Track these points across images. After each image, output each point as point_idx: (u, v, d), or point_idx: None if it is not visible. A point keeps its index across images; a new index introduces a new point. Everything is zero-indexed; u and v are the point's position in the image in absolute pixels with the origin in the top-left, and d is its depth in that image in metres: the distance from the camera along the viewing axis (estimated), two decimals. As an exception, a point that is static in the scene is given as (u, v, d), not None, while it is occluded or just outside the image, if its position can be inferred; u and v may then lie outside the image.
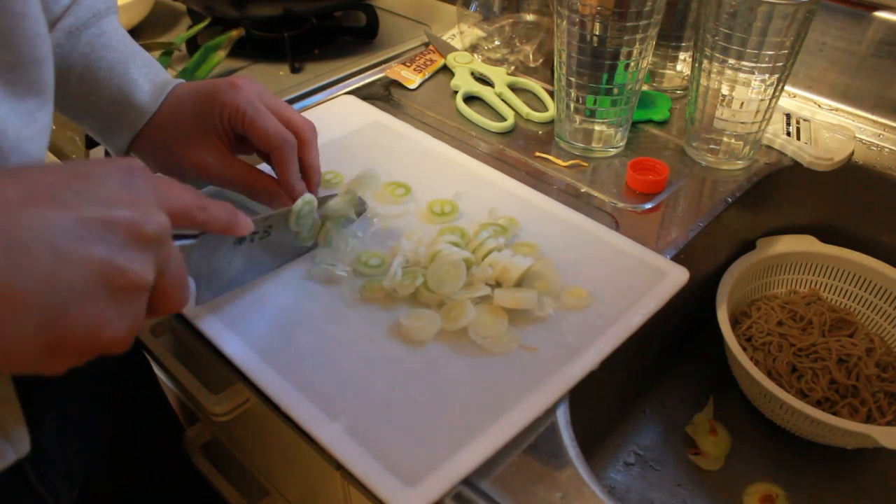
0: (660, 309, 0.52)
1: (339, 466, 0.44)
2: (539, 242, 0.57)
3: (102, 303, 0.29)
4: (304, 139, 0.54)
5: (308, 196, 0.52)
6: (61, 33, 0.52)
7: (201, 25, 0.86)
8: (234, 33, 0.83)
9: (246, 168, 0.54)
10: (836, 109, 0.78)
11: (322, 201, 0.55)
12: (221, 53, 0.82)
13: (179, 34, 0.94)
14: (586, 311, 0.51)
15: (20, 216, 0.28)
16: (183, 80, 0.56)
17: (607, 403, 0.66)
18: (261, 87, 0.54)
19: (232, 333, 0.49)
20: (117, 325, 0.30)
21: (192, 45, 0.86)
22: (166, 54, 0.83)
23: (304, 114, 0.74)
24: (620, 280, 0.54)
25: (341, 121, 0.73)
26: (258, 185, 0.54)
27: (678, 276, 0.54)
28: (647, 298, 0.52)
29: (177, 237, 0.41)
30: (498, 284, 0.53)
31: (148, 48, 0.81)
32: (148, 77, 0.54)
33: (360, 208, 0.58)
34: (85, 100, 0.54)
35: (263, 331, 0.50)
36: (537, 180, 0.66)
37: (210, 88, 0.53)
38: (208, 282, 0.48)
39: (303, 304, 0.52)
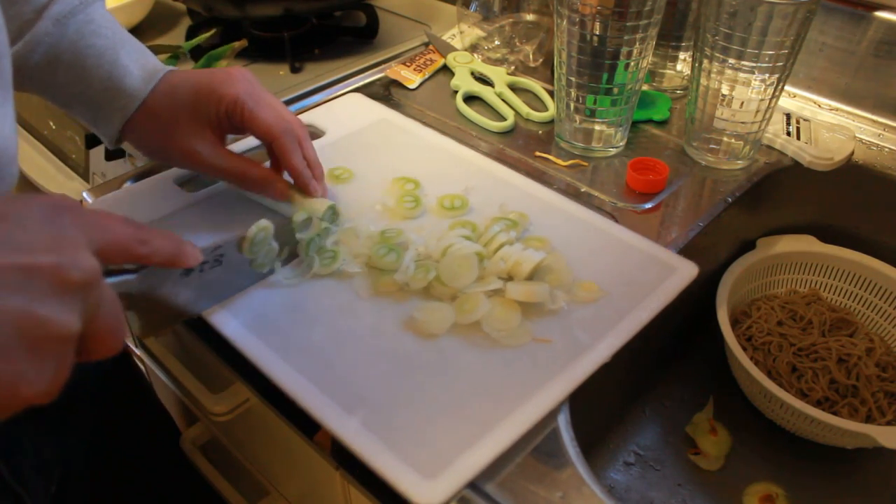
0: (668, 304, 0.52)
1: (339, 466, 0.44)
2: (548, 237, 0.57)
3: (20, 358, 0.27)
4: (298, 135, 0.54)
5: (262, 222, 0.50)
6: (49, 21, 0.52)
7: (208, 34, 0.86)
8: (238, 45, 0.83)
9: (235, 158, 0.54)
10: (836, 109, 0.78)
11: (284, 227, 0.52)
12: (224, 63, 0.82)
13: (179, 34, 0.94)
14: (597, 305, 0.52)
15: None
16: (174, 68, 0.56)
17: (607, 403, 0.66)
18: (255, 79, 0.54)
19: (245, 329, 0.49)
20: (37, 380, 0.28)
21: (196, 50, 0.86)
22: (173, 58, 0.83)
23: (311, 111, 0.75)
24: (630, 274, 0.54)
25: (349, 118, 0.73)
26: (248, 173, 0.54)
27: (687, 271, 0.54)
28: (657, 293, 0.52)
29: (116, 272, 0.39)
30: (509, 278, 0.53)
31: (155, 51, 0.81)
32: (138, 63, 0.54)
33: (334, 217, 0.57)
34: (74, 87, 0.53)
35: (276, 326, 0.50)
36: (537, 180, 0.66)
37: (207, 79, 0.53)
38: (151, 316, 0.45)
39: (315, 298, 0.52)
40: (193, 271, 0.46)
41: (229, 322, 0.50)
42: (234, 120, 0.53)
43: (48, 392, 0.29)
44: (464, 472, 0.41)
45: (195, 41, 0.85)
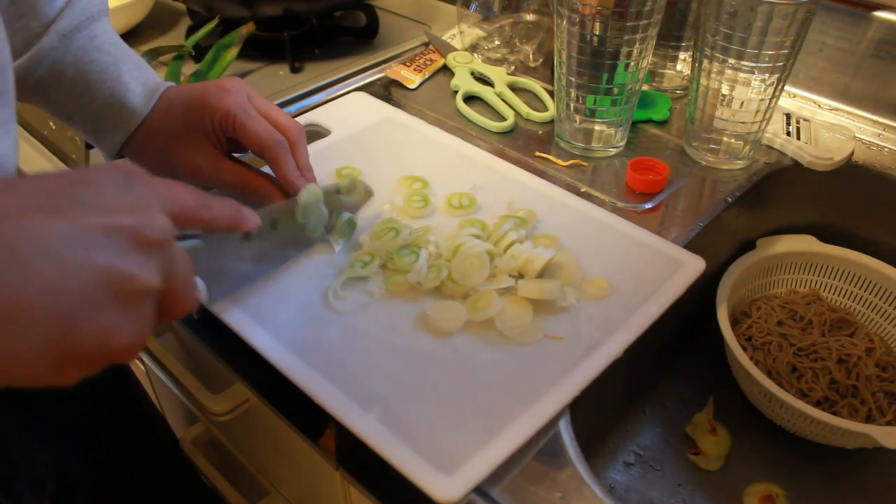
0: (677, 298, 0.53)
1: (339, 466, 0.44)
2: (557, 234, 0.57)
3: (111, 310, 0.29)
4: (292, 140, 0.54)
5: (312, 187, 0.52)
6: (55, 36, 0.52)
7: (210, 26, 0.86)
8: (244, 30, 0.82)
9: (238, 169, 0.54)
10: (836, 109, 0.78)
11: (329, 193, 0.55)
12: (234, 51, 0.81)
13: (179, 34, 0.94)
14: (607, 301, 0.52)
15: (21, 228, 0.27)
16: (173, 83, 0.56)
17: (607, 403, 0.66)
18: (249, 88, 0.54)
19: (260, 327, 0.50)
20: (127, 332, 0.30)
21: (198, 47, 0.86)
22: (178, 58, 0.83)
23: (316, 110, 0.75)
24: (637, 269, 0.54)
25: (354, 117, 0.73)
26: (251, 185, 0.54)
27: (694, 265, 0.55)
28: (665, 287, 0.53)
29: (181, 238, 0.40)
30: (520, 276, 0.53)
31: (159, 52, 0.80)
32: (139, 80, 0.55)
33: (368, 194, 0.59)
34: (77, 101, 0.54)
35: (292, 325, 0.50)
36: (541, 178, 0.66)
37: (199, 93, 0.53)
38: (218, 280, 0.47)
39: (328, 298, 0.52)
40: (252, 236, 0.49)
41: (246, 323, 0.50)
42: (226, 132, 0.53)
43: (133, 346, 0.30)
44: (481, 468, 0.41)
45: (197, 36, 0.84)
